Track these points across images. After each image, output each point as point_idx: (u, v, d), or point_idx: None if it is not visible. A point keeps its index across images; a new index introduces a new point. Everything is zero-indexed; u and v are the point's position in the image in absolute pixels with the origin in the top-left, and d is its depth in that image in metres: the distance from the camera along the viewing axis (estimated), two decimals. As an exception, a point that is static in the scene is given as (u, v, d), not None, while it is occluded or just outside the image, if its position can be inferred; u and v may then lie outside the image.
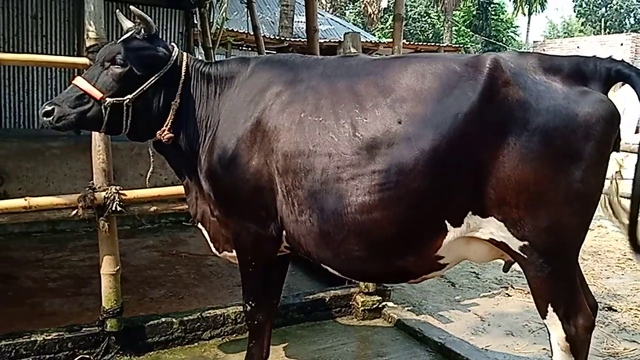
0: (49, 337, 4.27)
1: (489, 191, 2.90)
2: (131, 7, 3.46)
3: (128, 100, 3.43)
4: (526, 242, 2.91)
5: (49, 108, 3.34)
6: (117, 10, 3.81)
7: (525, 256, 2.95)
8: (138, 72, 3.45)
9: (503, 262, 3.38)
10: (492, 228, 2.98)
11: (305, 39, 7.50)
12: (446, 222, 3.02)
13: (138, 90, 3.46)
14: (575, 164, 2.79)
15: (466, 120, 2.88)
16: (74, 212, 4.18)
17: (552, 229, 2.87)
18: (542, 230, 2.87)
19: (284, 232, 3.45)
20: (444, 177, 2.94)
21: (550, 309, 3.01)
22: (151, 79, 3.49)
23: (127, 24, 3.66)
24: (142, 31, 3.50)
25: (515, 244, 2.95)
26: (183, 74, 3.60)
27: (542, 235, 2.88)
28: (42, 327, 4.44)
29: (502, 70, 2.90)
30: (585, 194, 2.83)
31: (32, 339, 4.22)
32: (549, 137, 2.79)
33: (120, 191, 4.26)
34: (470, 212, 2.99)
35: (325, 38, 18.47)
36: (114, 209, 4.21)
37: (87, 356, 4.36)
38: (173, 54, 3.59)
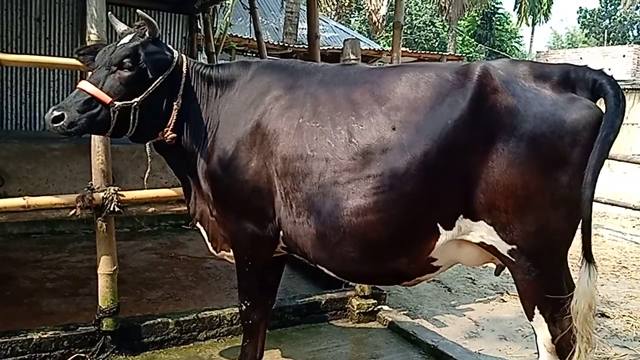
0: (45, 336, 4.31)
1: (479, 195, 2.95)
2: (138, 10, 3.49)
3: (136, 103, 3.45)
4: (514, 246, 2.96)
5: (57, 114, 3.29)
6: (110, 13, 3.84)
7: (514, 260, 3.00)
8: (145, 75, 3.45)
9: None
10: (482, 232, 3.03)
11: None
12: (438, 225, 3.08)
13: (145, 92, 3.47)
14: (562, 169, 2.84)
15: (456, 127, 2.94)
16: (72, 211, 4.22)
17: (540, 233, 2.91)
18: (530, 235, 2.91)
19: (281, 233, 3.50)
20: (436, 181, 3.00)
21: (536, 310, 3.05)
22: (157, 81, 3.51)
23: (120, 26, 3.67)
24: (147, 34, 3.51)
25: (504, 248, 2.99)
26: (184, 75, 3.64)
27: (530, 240, 2.92)
28: (40, 326, 4.46)
29: (491, 78, 2.96)
30: (572, 199, 2.86)
31: (28, 337, 4.26)
32: (536, 142, 2.83)
33: (118, 192, 4.30)
34: (461, 216, 3.04)
35: (330, 45, 18.48)
36: (112, 209, 4.25)
37: (83, 355, 4.39)
38: (175, 56, 3.64)
